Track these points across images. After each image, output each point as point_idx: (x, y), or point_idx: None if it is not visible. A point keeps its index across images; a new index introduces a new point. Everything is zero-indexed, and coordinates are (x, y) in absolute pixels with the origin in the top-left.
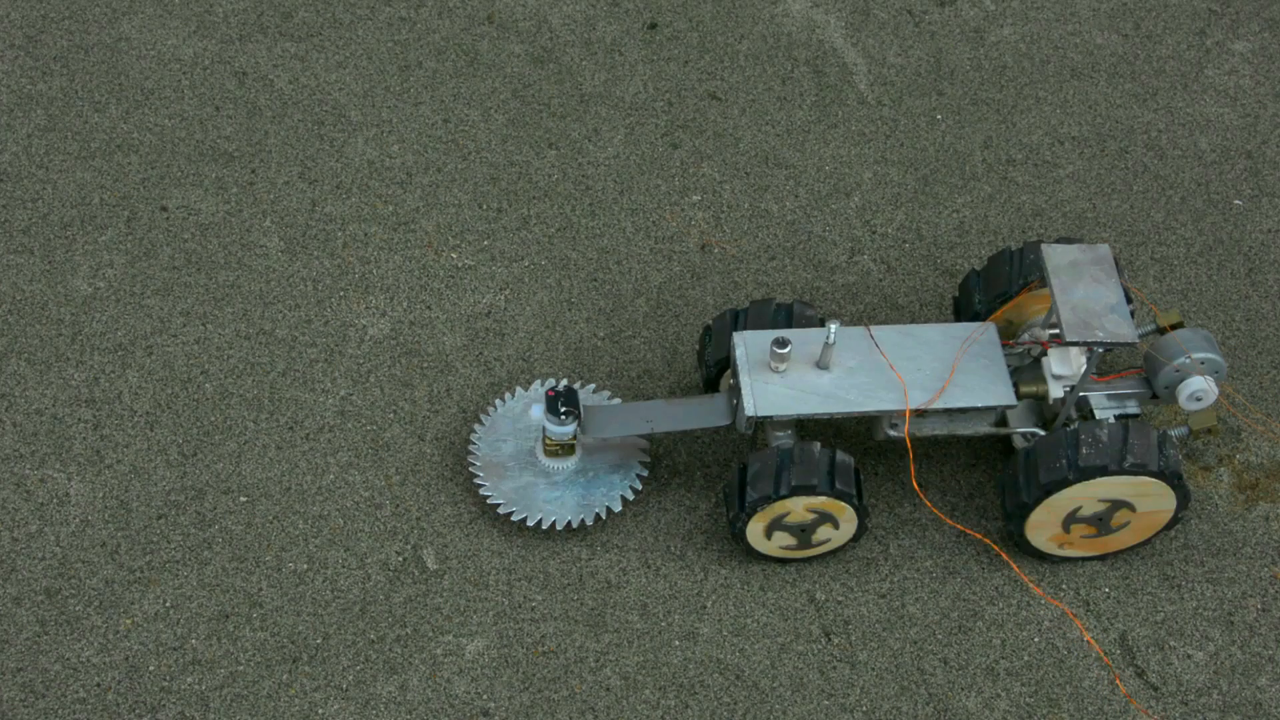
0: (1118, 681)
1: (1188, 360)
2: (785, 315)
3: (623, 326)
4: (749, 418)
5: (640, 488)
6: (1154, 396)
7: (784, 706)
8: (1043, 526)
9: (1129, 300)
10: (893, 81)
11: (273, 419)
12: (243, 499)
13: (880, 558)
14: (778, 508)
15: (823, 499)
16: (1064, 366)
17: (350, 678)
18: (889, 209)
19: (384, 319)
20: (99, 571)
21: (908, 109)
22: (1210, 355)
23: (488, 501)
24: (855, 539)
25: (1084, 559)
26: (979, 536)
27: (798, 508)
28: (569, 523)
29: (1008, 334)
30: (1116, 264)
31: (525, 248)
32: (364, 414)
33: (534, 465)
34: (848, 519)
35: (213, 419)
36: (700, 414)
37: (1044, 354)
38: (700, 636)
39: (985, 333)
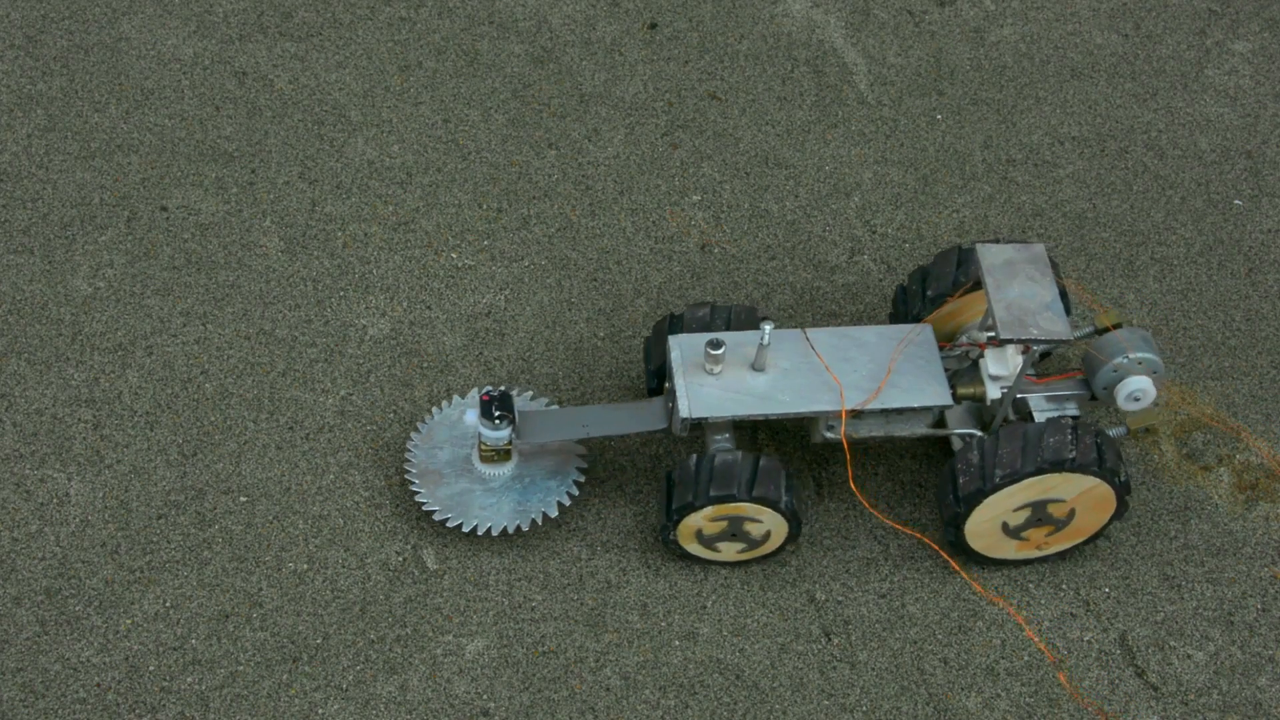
0: (1061, 678)
1: (1125, 360)
2: (677, 324)
3: (623, 326)
4: (683, 420)
5: (577, 493)
6: (1093, 398)
7: (784, 706)
8: (992, 547)
9: (1066, 300)
10: (893, 81)
11: (273, 419)
12: (243, 499)
13: (880, 558)
14: (686, 530)
15: (710, 509)
16: (1001, 367)
17: (350, 678)
18: (889, 209)
19: (384, 319)
20: (99, 571)
21: (908, 109)
22: (1148, 355)
23: (423, 508)
24: (793, 526)
25: (1074, 549)
26: (921, 538)
27: (704, 522)
28: (504, 529)
29: (944, 337)
30: (1053, 263)
31: (525, 248)
32: (364, 414)
33: (470, 472)
34: (760, 513)
35: (213, 419)
36: (636, 418)
37: (981, 356)
38: (700, 636)
39: (921, 334)
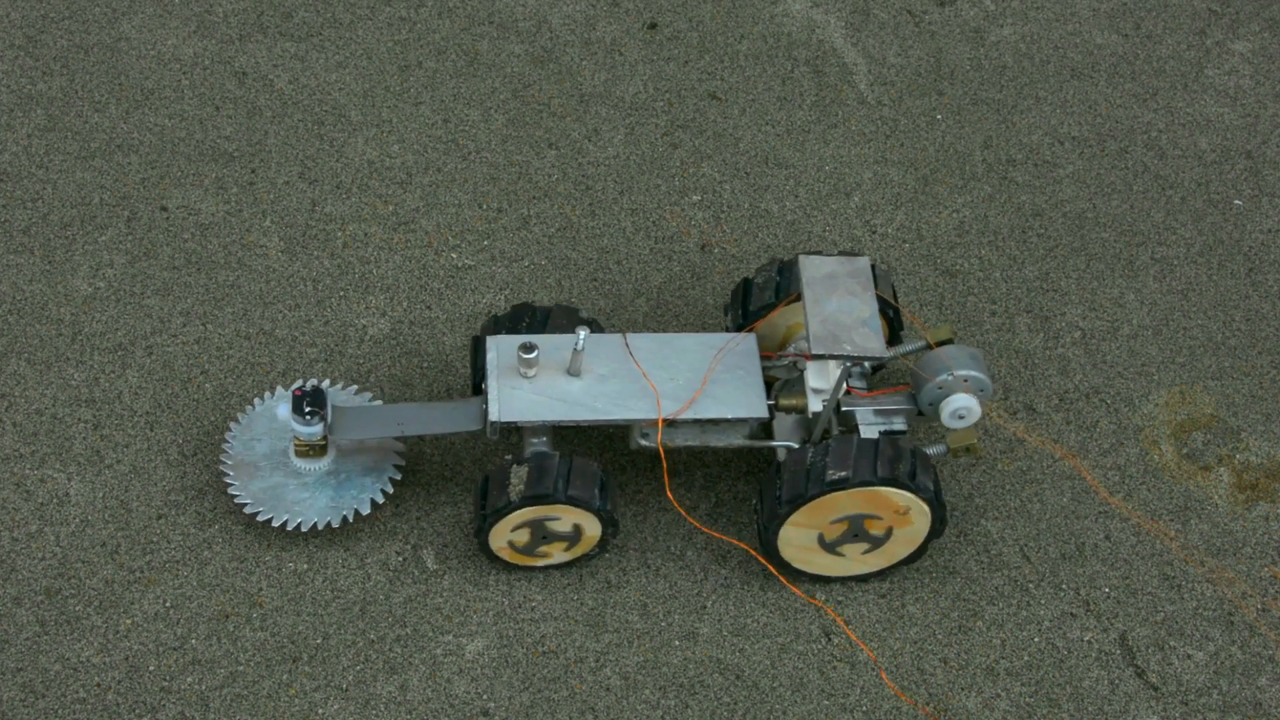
0: (884, 677)
1: (950, 378)
2: (498, 326)
3: (623, 327)
4: (492, 423)
5: (392, 490)
6: (920, 413)
7: (784, 706)
8: (827, 566)
9: (893, 314)
10: (893, 81)
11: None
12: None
13: None
14: (498, 539)
15: (502, 523)
16: (821, 380)
17: (350, 678)
18: (889, 209)
19: (384, 319)
20: (99, 571)
21: (908, 109)
22: (974, 373)
23: (235, 501)
24: (604, 524)
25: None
26: (739, 544)
27: (510, 532)
28: (315, 524)
29: (772, 346)
30: (885, 277)
31: (525, 248)
32: None
33: (286, 466)
34: (563, 511)
35: (213, 419)
36: (452, 418)
37: (806, 367)
38: (700, 636)
39: (743, 343)
